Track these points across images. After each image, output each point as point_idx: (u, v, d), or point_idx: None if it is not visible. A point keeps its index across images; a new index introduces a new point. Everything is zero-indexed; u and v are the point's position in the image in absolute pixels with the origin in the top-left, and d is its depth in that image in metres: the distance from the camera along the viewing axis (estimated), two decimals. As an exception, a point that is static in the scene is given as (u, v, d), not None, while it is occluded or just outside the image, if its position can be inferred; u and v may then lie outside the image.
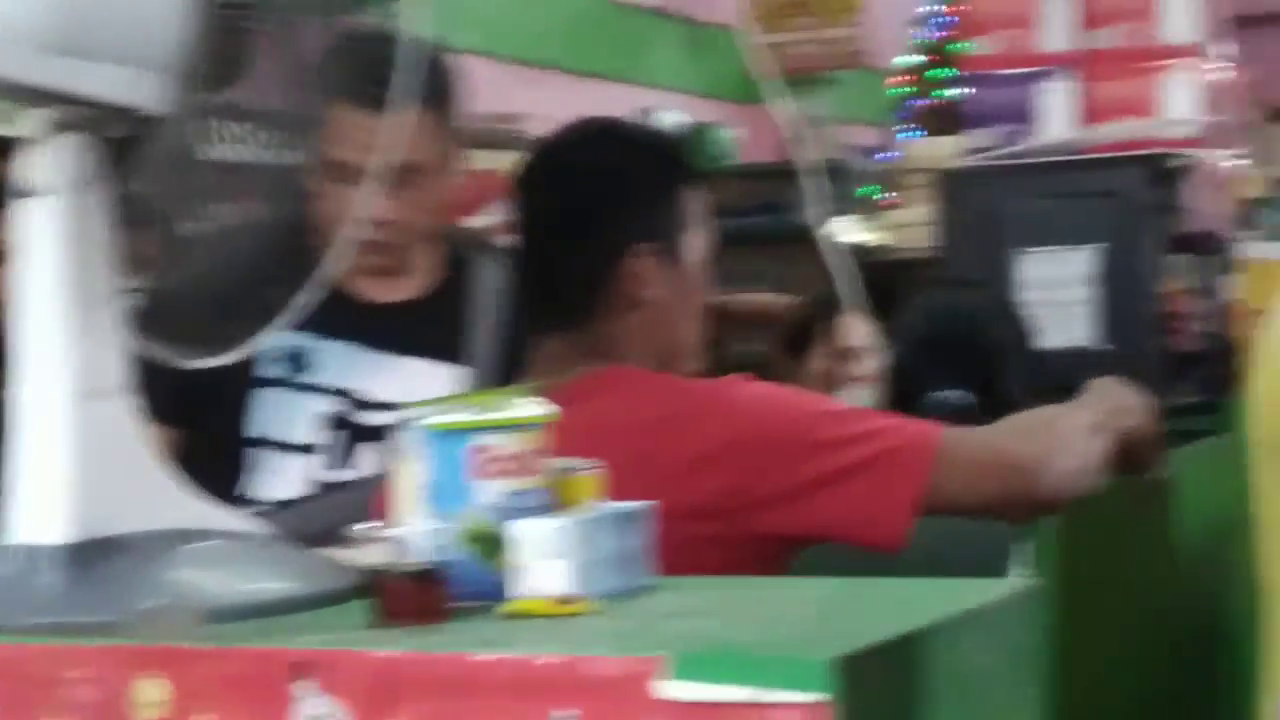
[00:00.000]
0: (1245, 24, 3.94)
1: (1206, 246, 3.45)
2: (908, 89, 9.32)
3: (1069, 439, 2.29)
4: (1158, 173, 3.35)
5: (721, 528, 2.22)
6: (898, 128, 9.21)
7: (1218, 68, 3.57)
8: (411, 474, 1.61)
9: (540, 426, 1.63)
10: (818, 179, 4.02)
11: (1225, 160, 3.58)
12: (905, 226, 5.11)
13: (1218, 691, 3.11)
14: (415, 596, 1.54)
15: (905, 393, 3.12)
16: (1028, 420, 2.36)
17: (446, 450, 1.60)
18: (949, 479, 2.22)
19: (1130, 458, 2.43)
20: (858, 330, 4.54)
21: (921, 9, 9.30)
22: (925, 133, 8.52)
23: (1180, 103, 3.46)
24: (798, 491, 2.22)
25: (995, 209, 3.40)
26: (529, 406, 1.64)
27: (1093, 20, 3.53)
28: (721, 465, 2.23)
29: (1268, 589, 2.46)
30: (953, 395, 2.96)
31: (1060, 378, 3.21)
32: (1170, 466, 2.56)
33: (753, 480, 2.22)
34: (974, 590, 1.61)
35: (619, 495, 1.68)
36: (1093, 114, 3.50)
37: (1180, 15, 3.48)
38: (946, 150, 3.83)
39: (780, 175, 7.19)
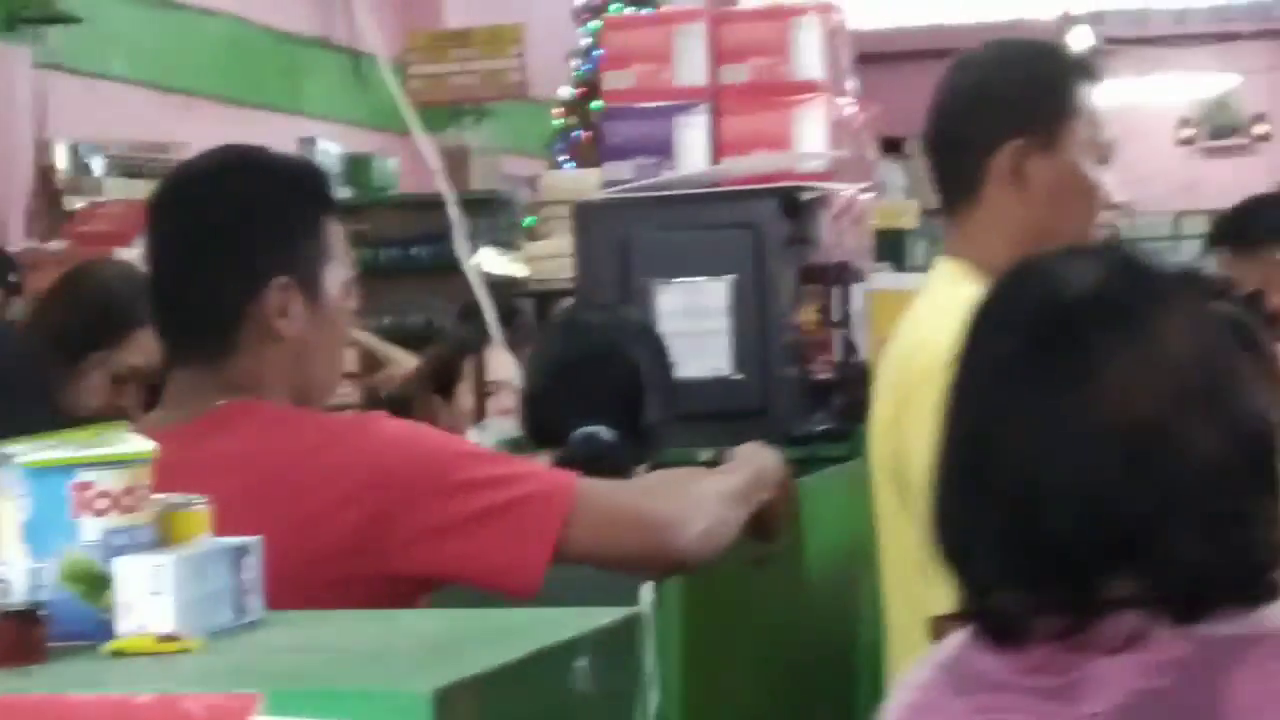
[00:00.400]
0: (868, 61, 4.05)
1: (838, 277, 3.54)
2: (568, 120, 9.41)
3: (706, 503, 2.33)
4: (790, 205, 3.42)
5: (357, 567, 2.20)
6: (559, 159, 9.29)
7: (846, 103, 3.66)
8: (10, 512, 1.58)
9: (145, 462, 1.61)
10: (462, 211, 4.06)
11: (855, 193, 3.67)
12: (548, 258, 5.15)
13: (854, 706, 3.19)
14: (13, 637, 1.50)
15: (546, 420, 3.12)
16: (668, 479, 2.40)
17: (47, 487, 1.57)
18: (584, 530, 2.22)
19: (760, 526, 2.48)
20: (501, 363, 4.58)
21: (581, 42, 9.40)
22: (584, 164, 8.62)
23: (811, 137, 3.54)
24: (432, 533, 2.21)
25: (632, 240, 3.44)
26: (133, 442, 1.61)
27: (726, 56, 3.59)
28: (357, 504, 2.21)
29: (889, 608, 2.54)
30: (597, 431, 2.96)
31: (698, 407, 3.27)
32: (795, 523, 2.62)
33: (388, 521, 2.20)
34: (587, 618, 1.63)
35: (251, 531, 1.66)
36: (727, 147, 3.56)
37: (810, 52, 3.56)
38: (586, 182, 3.88)
39: (441, 206, 7.21)
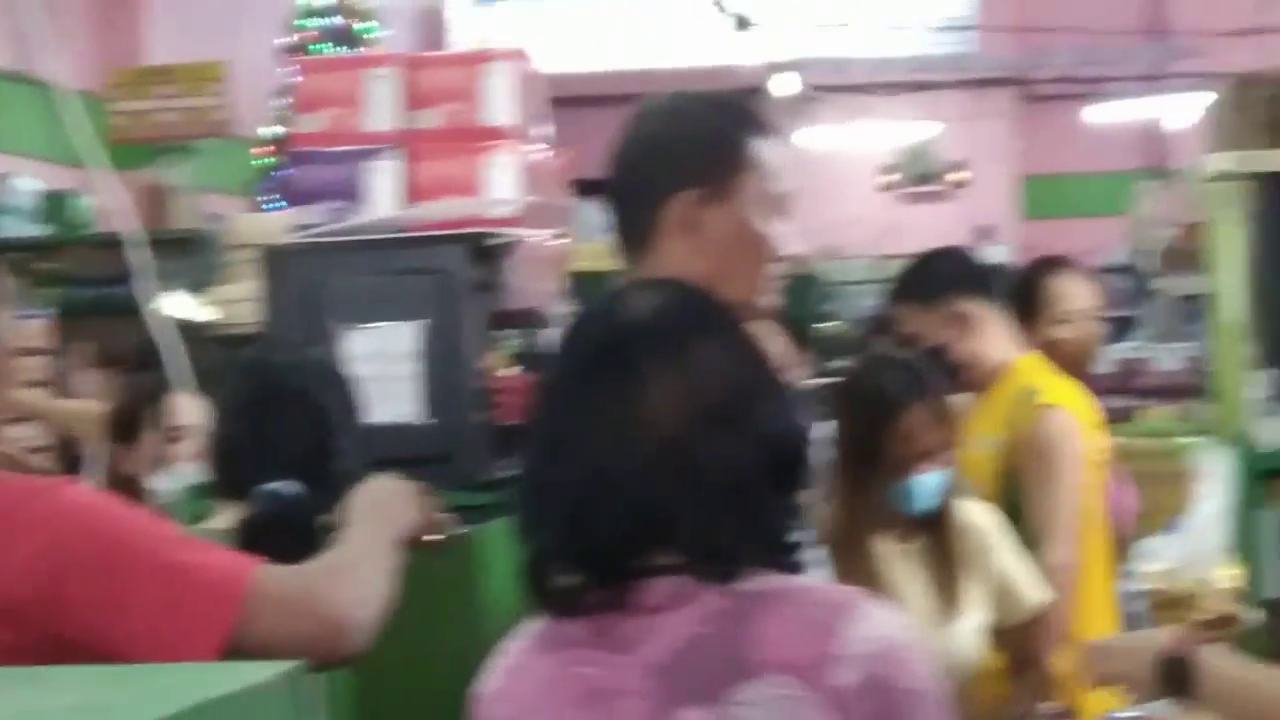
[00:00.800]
0: (570, 104, 4.08)
1: (529, 322, 3.56)
2: (271, 159, 9.33)
3: (372, 581, 2.30)
4: (479, 250, 3.43)
5: (26, 632, 2.14)
6: (264, 198, 9.20)
7: (537, 148, 3.68)
8: None
9: None
10: (159, 251, 3.98)
11: (546, 238, 3.69)
12: (238, 302, 5.08)
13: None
14: None
15: (233, 467, 3.08)
16: (336, 563, 2.35)
17: None
18: (258, 625, 2.17)
19: (416, 544, 2.46)
20: (186, 408, 4.50)
21: (284, 81, 9.33)
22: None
23: (502, 182, 3.55)
24: (102, 611, 2.14)
25: (320, 285, 3.42)
26: None
27: (417, 101, 3.59)
28: (30, 572, 2.15)
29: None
30: (279, 487, 2.91)
31: (387, 452, 3.25)
32: (456, 531, 2.61)
33: (59, 592, 2.14)
34: (249, 673, 1.61)
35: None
36: (417, 193, 3.56)
37: (501, 98, 3.58)
38: (276, 225, 3.84)
39: (139, 246, 7.07)
